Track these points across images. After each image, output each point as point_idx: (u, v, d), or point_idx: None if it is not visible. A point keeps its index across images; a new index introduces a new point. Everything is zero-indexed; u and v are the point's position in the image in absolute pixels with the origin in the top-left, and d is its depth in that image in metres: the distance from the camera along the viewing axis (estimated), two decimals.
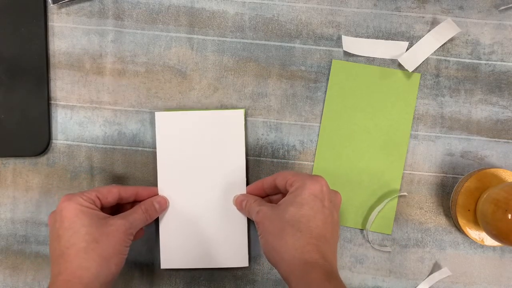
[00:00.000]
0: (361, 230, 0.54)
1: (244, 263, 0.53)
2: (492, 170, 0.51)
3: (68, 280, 0.43)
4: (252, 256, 0.54)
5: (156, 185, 0.53)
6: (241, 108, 0.54)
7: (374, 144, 0.54)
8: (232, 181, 0.53)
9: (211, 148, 0.53)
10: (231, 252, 0.52)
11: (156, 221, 0.53)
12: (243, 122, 0.53)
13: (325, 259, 0.43)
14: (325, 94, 0.54)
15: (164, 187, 0.53)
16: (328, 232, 0.44)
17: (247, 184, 0.53)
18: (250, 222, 0.53)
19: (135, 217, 0.48)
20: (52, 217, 0.46)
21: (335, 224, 0.46)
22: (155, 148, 0.54)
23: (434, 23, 0.54)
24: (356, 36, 0.54)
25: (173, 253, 0.52)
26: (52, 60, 0.55)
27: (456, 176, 0.54)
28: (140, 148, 0.54)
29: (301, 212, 0.44)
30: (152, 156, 0.54)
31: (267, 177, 0.50)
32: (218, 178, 0.53)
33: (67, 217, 0.45)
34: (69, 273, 0.43)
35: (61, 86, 0.55)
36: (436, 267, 0.53)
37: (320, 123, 0.54)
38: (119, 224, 0.46)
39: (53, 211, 0.47)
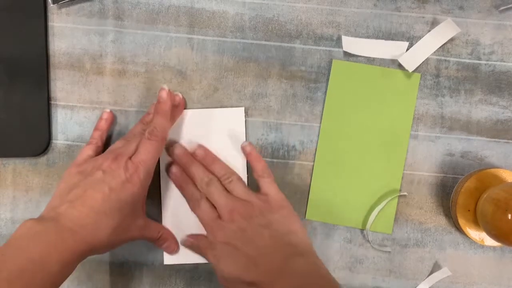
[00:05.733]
0: (361, 230, 0.54)
1: None
2: (492, 170, 0.51)
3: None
4: None
5: (156, 184, 0.53)
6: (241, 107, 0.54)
7: (374, 144, 0.54)
8: None
9: (212, 145, 0.53)
10: None
11: (159, 216, 0.53)
12: (244, 119, 0.53)
13: None
14: (325, 94, 0.54)
15: (166, 184, 0.53)
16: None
17: (248, 180, 0.53)
18: None
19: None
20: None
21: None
22: None
23: (434, 23, 0.54)
24: (356, 36, 0.54)
25: None
26: (52, 60, 0.55)
27: (456, 176, 0.54)
28: None
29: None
30: None
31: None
32: None
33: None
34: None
35: (61, 86, 0.55)
36: (436, 267, 0.53)
37: (320, 123, 0.54)
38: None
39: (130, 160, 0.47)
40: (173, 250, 0.52)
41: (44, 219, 0.44)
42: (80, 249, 0.43)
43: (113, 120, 0.54)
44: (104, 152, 0.50)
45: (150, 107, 0.53)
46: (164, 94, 0.50)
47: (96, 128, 0.53)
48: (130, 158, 0.47)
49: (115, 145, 0.50)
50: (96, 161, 0.48)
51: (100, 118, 0.53)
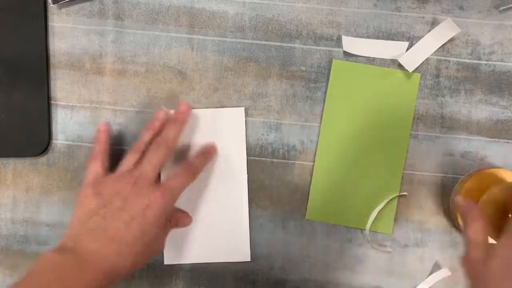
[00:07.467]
0: (361, 230, 0.54)
1: (246, 258, 0.53)
2: (492, 170, 0.51)
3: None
4: (252, 257, 0.54)
5: None
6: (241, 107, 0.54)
7: (374, 144, 0.54)
8: (233, 176, 0.53)
9: None
10: (233, 247, 0.53)
11: None
12: (244, 119, 0.53)
13: None
14: (325, 94, 0.54)
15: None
16: None
17: (248, 180, 0.53)
18: (251, 218, 0.53)
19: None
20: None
21: None
22: None
23: (434, 23, 0.54)
24: (356, 36, 0.54)
25: (176, 248, 0.53)
26: (52, 60, 0.55)
27: (456, 176, 0.54)
28: None
29: None
30: None
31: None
32: (219, 174, 0.53)
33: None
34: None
35: (61, 86, 0.55)
36: (436, 267, 0.53)
37: (320, 123, 0.54)
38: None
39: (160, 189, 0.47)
40: (188, 224, 0.53)
41: (64, 250, 0.43)
42: (100, 281, 0.42)
43: (109, 129, 0.53)
44: (120, 172, 0.48)
45: (157, 111, 0.51)
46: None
47: (96, 141, 0.51)
48: (153, 181, 0.47)
49: (128, 162, 0.48)
50: (114, 186, 0.46)
51: (98, 130, 0.51)
